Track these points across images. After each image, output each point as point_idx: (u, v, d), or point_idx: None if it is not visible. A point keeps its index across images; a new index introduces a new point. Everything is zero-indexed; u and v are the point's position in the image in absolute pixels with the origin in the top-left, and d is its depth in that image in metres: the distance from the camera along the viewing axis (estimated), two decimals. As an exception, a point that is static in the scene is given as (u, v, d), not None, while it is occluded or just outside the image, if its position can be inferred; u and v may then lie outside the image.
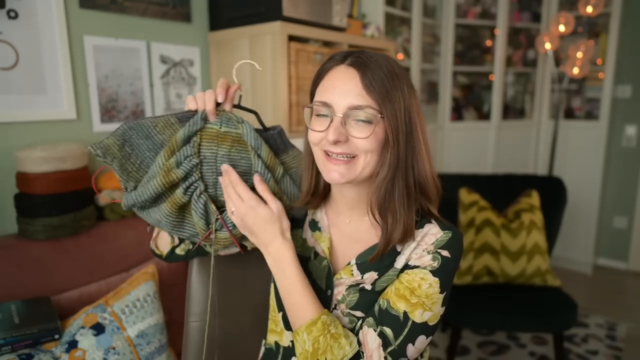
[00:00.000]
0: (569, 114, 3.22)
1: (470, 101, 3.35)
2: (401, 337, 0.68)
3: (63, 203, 1.32)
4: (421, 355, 0.81)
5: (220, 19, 1.88)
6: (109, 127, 1.61)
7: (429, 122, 3.00)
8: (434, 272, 0.71)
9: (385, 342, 0.69)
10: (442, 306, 0.72)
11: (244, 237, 0.80)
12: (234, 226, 0.77)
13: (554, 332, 1.80)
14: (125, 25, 1.65)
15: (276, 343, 0.84)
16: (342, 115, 0.68)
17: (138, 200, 0.72)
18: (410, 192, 0.71)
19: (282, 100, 1.71)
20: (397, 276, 0.73)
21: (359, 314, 0.74)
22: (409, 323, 0.69)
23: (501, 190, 2.12)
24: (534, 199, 1.98)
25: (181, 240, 0.87)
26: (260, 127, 0.82)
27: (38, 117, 1.43)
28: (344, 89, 0.69)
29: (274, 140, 0.81)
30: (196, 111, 0.75)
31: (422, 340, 0.70)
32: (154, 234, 0.89)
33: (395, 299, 0.70)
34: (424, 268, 0.71)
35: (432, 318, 0.70)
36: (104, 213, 1.48)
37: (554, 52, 2.93)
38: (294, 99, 1.77)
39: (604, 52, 2.96)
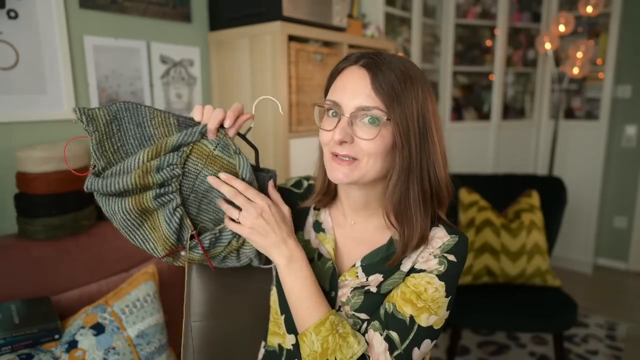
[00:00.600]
0: (569, 114, 3.22)
1: (470, 101, 3.35)
2: (407, 341, 0.68)
3: (63, 203, 1.32)
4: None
5: (220, 19, 1.88)
6: (109, 127, 1.61)
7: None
8: (440, 277, 0.71)
9: (392, 346, 0.69)
10: (447, 310, 0.72)
11: (216, 256, 0.78)
12: (211, 244, 0.75)
13: (554, 332, 1.80)
14: (125, 25, 1.65)
15: (279, 345, 0.84)
16: (349, 116, 0.68)
17: (103, 189, 0.68)
18: (426, 197, 0.71)
19: (282, 100, 1.71)
20: (403, 279, 0.73)
21: (363, 316, 0.74)
22: (415, 327, 0.69)
23: (501, 190, 2.12)
24: (534, 199, 1.98)
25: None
26: (254, 163, 0.79)
27: (38, 117, 1.43)
28: (353, 89, 0.69)
29: (263, 181, 0.78)
30: (198, 123, 0.73)
31: (427, 344, 0.70)
32: None
33: (402, 303, 0.70)
34: (430, 272, 0.71)
35: (437, 322, 0.70)
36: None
37: (554, 52, 2.93)
38: (294, 99, 1.77)
39: (604, 52, 2.96)
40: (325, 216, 0.83)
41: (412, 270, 0.73)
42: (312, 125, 1.88)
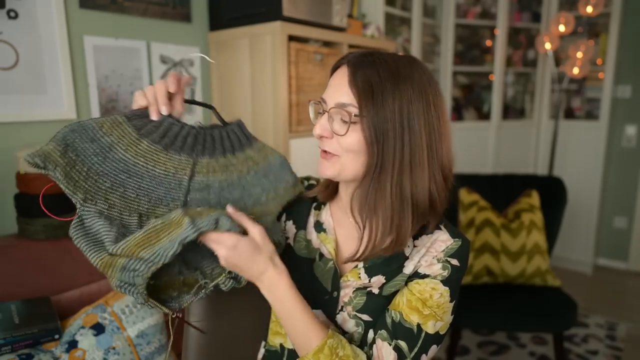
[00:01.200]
0: (569, 114, 3.22)
1: (470, 101, 3.35)
2: (415, 350, 0.69)
3: (63, 203, 1.31)
4: None
5: (220, 19, 1.88)
6: (109, 127, 1.62)
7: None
8: (445, 282, 0.70)
9: (400, 356, 0.69)
10: (452, 315, 0.72)
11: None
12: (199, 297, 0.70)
13: (554, 332, 1.80)
14: (125, 25, 1.65)
15: (281, 345, 0.84)
16: (328, 112, 0.69)
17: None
18: (405, 202, 0.67)
19: (282, 100, 1.71)
20: (406, 283, 0.73)
21: (365, 317, 0.73)
22: (423, 335, 0.69)
23: (501, 190, 2.12)
24: (534, 199, 1.98)
25: None
26: (219, 123, 0.78)
27: (38, 117, 1.43)
28: (335, 86, 0.70)
29: (235, 134, 0.77)
30: (147, 108, 0.70)
31: (433, 350, 0.70)
32: None
33: (408, 312, 0.69)
34: (434, 278, 0.71)
35: (442, 327, 0.71)
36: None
37: (554, 52, 2.93)
38: (294, 99, 1.77)
39: (604, 52, 2.96)
40: (326, 216, 0.83)
41: (416, 274, 0.72)
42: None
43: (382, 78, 0.65)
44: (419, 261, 0.73)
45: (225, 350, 0.94)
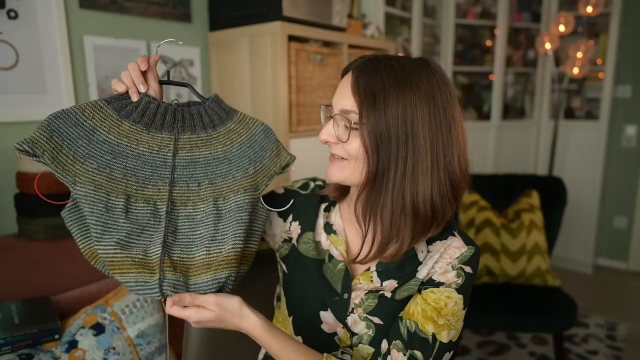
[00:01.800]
0: (569, 114, 3.22)
1: (470, 101, 3.35)
2: (431, 359, 0.69)
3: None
4: None
5: (220, 19, 1.88)
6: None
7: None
8: (459, 290, 0.70)
9: None
10: (463, 321, 0.72)
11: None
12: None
13: (554, 332, 1.80)
14: (125, 25, 1.65)
15: None
16: (333, 117, 0.70)
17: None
18: (405, 210, 0.66)
19: (282, 100, 1.71)
20: (419, 289, 0.73)
21: (376, 320, 0.73)
22: (437, 344, 0.68)
23: (501, 190, 2.12)
24: (534, 199, 1.98)
25: None
26: (196, 99, 0.79)
27: (38, 117, 1.43)
28: (340, 92, 0.70)
29: (213, 109, 0.78)
30: (126, 92, 0.73)
31: (446, 358, 0.70)
32: None
33: (423, 321, 0.69)
34: (449, 286, 0.70)
35: (455, 335, 0.71)
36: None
37: (554, 52, 2.93)
38: (294, 99, 1.77)
39: (604, 52, 2.96)
40: (336, 217, 0.82)
41: (430, 281, 0.72)
42: (312, 125, 1.88)
43: (384, 84, 0.64)
44: (432, 267, 0.73)
45: (226, 350, 0.94)
